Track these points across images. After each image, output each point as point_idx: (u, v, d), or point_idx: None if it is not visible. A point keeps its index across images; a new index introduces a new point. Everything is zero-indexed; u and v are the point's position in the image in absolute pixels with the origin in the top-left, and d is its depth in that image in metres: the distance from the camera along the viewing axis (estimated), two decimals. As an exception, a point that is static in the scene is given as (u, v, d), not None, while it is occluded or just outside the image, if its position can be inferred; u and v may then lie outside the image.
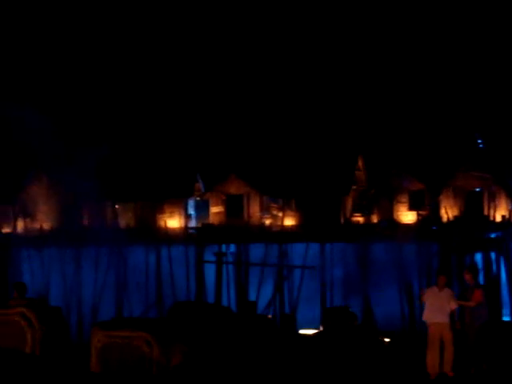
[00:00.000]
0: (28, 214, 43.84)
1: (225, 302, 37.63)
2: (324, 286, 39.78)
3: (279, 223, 43.77)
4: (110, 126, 46.04)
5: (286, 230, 42.47)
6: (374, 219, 44.64)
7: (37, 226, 43.71)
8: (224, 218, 45.70)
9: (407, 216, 43.78)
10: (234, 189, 45.88)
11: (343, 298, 37.63)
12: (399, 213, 44.02)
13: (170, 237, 42.02)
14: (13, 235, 42.77)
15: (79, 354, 14.14)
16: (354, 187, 45.82)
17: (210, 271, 40.71)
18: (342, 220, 44.29)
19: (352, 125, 46.59)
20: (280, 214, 44.63)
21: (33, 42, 48.34)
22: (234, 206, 45.47)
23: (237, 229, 42.32)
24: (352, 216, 44.97)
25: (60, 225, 43.69)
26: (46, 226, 43.96)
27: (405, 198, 44.06)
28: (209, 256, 41.18)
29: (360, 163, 46.37)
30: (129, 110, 47.97)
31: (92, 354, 13.27)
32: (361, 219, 45.01)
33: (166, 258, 40.90)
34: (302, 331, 18.25)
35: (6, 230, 43.87)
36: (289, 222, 44.14)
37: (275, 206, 45.84)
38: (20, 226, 43.72)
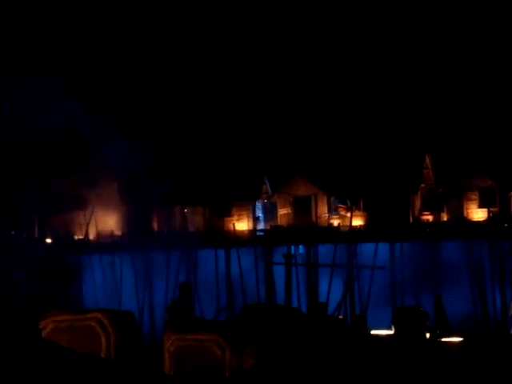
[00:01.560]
0: (99, 220, 44.52)
1: (295, 304, 37.57)
2: (394, 286, 39.43)
3: (347, 223, 43.57)
4: (179, 130, 46.47)
5: (354, 230, 42.25)
6: (444, 217, 44.12)
7: (108, 231, 44.38)
8: (292, 220, 45.72)
9: (478, 213, 43.14)
10: (301, 190, 45.86)
11: (414, 297, 37.19)
12: (469, 210, 43.42)
13: (238, 239, 42.17)
14: (85, 241, 43.46)
15: (153, 358, 14.30)
16: (423, 185, 45.34)
17: (279, 273, 40.67)
18: (411, 219, 43.89)
19: (419, 123, 46.10)
20: (348, 215, 44.43)
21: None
22: (302, 208, 45.44)
23: (305, 230, 42.26)
24: (421, 215, 44.52)
25: (131, 230, 44.29)
26: (117, 231, 44.63)
27: (475, 196, 43.45)
28: (278, 258, 41.17)
29: (428, 161, 45.87)
30: (195, 113, 48.31)
31: (165, 357, 13.42)
32: (430, 218, 44.53)
33: (236, 260, 41.04)
34: (373, 332, 18.10)
35: (79, 236, 44.61)
36: (357, 222, 43.91)
37: (343, 206, 45.67)
38: (92, 232, 44.44)
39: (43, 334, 12.80)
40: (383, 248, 40.05)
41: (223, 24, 50.76)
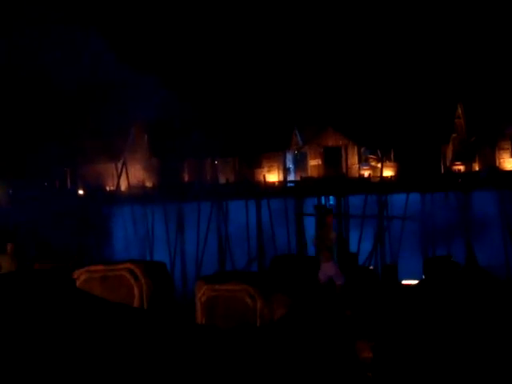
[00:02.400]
0: (131, 172, 44.73)
1: (325, 255, 37.62)
2: (425, 237, 39.32)
3: (378, 174, 43.40)
4: (208, 83, 46.34)
5: (385, 181, 42.09)
6: (476, 167, 43.77)
7: (139, 183, 44.61)
8: (322, 171, 45.63)
9: (510, 163, 42.73)
10: (331, 141, 45.69)
11: (445, 248, 37.08)
12: (502, 160, 43.01)
13: (269, 191, 42.19)
14: (116, 193, 43.72)
15: (184, 308, 14.44)
16: (454, 135, 44.93)
17: (309, 224, 40.73)
18: (443, 169, 43.59)
19: (452, 72, 45.54)
20: (379, 165, 44.25)
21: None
22: (332, 158, 45.31)
23: (335, 181, 42.17)
24: (453, 165, 44.19)
25: (162, 182, 44.48)
26: (149, 183, 44.85)
27: (507, 145, 42.99)
28: (308, 209, 41.19)
29: (460, 111, 45.38)
30: (226, 66, 48.12)
31: (197, 307, 13.54)
32: (462, 168, 44.20)
33: (266, 211, 41.11)
34: (404, 282, 18.12)
35: (111, 188, 44.89)
36: (388, 172, 43.73)
37: (373, 157, 45.47)
38: (123, 183, 44.68)
39: (77, 283, 12.96)
40: (414, 198, 39.88)
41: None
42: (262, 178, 44.61)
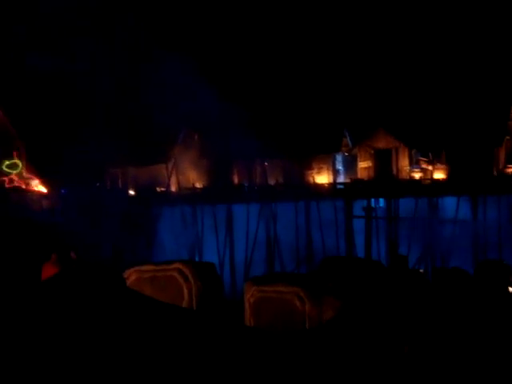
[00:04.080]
0: (181, 173, 44.99)
1: (374, 257, 37.48)
2: (477, 240, 38.86)
3: (429, 176, 42.99)
4: (258, 84, 46.39)
5: (436, 184, 41.70)
6: (529, 170, 43.10)
7: (189, 184, 44.85)
8: (372, 173, 45.34)
9: None
10: (382, 143, 45.37)
11: (497, 252, 36.62)
12: (556, 163, 42.30)
13: (318, 192, 42.07)
14: (167, 194, 44.00)
15: (233, 309, 14.45)
16: (507, 138, 44.27)
17: (359, 226, 40.56)
18: (495, 172, 43.00)
19: (505, 73, 44.92)
20: (430, 168, 43.83)
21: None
22: (383, 161, 45.00)
23: (386, 183, 41.91)
24: (505, 167, 43.55)
25: (211, 183, 44.66)
26: (198, 184, 45.06)
27: (562, 148, 42.28)
28: (358, 211, 41.02)
29: (513, 113, 44.73)
30: (276, 67, 48.13)
31: (245, 308, 13.54)
32: (515, 171, 43.56)
33: (315, 213, 41.03)
34: (454, 286, 17.89)
35: (161, 188, 45.19)
36: (439, 175, 43.29)
37: (424, 159, 45.05)
38: (173, 184, 44.96)
39: (127, 283, 13.04)
40: (465, 201, 39.47)
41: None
42: (311, 180, 44.51)
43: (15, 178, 41.74)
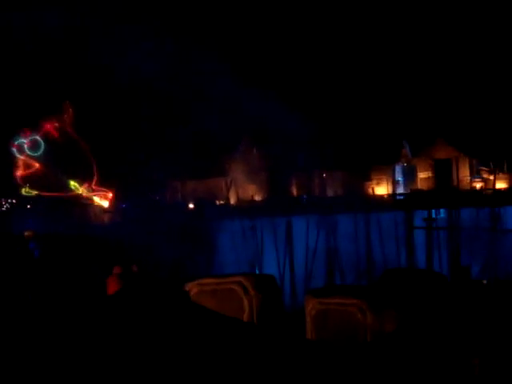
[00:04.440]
0: (240, 186, 45.16)
1: (436, 268, 37.05)
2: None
3: (491, 186, 42.41)
4: (317, 96, 46.35)
5: (498, 193, 41.10)
6: None
7: (248, 197, 44.98)
8: (432, 183, 44.93)
9: None
10: (442, 153, 44.95)
11: None
12: None
13: (378, 204, 41.81)
14: (226, 207, 44.19)
15: (294, 322, 14.43)
16: None
17: (419, 237, 40.17)
18: (559, 181, 42.29)
19: None
20: (491, 177, 43.25)
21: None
22: (443, 171, 44.56)
23: (446, 193, 41.46)
24: None
25: (270, 195, 44.72)
26: (257, 196, 45.16)
27: None
28: (418, 222, 40.63)
29: None
30: (336, 79, 48.03)
31: (306, 321, 13.50)
32: None
33: (376, 225, 40.77)
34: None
35: (220, 201, 45.42)
36: (501, 184, 42.68)
37: (486, 169, 44.48)
38: (232, 197, 45.13)
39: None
40: (529, 211, 38.85)
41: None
42: (370, 191, 44.29)
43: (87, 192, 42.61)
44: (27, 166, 43.35)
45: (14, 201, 44.97)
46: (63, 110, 43.89)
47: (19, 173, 43.23)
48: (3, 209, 44.54)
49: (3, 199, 44.86)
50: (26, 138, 43.42)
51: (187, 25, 44.87)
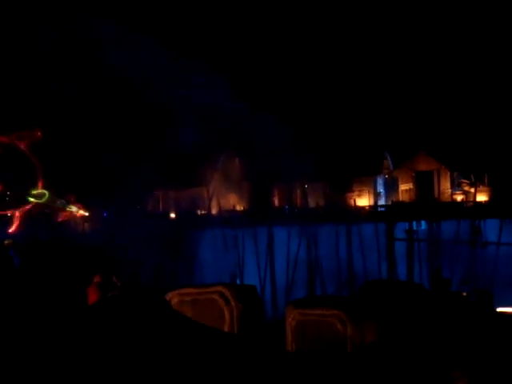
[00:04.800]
0: (221, 196, 45.15)
1: (417, 280, 37.14)
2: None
3: (471, 199, 42.61)
4: (298, 107, 46.42)
5: (478, 206, 41.29)
6: None
7: (230, 207, 44.95)
8: (414, 195, 45.09)
9: None
10: (423, 165, 45.14)
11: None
12: None
13: (359, 215, 41.91)
14: (207, 216, 44.15)
15: (274, 332, 14.41)
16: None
17: (400, 249, 40.28)
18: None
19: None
20: (472, 190, 43.46)
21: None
22: (424, 183, 44.75)
23: (427, 206, 41.61)
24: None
25: (252, 205, 44.71)
26: (239, 206, 45.15)
27: None
28: (399, 233, 40.75)
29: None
30: (316, 91, 48.14)
31: (287, 331, 13.49)
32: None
33: (357, 236, 40.84)
34: (500, 309, 17.67)
35: (202, 211, 45.37)
36: (481, 197, 42.88)
37: (466, 181, 44.70)
38: (214, 207, 45.10)
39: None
40: (509, 224, 38.99)
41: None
42: (352, 203, 44.39)
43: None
44: None
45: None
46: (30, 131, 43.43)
47: None
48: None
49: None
50: None
51: (173, 34, 44.86)
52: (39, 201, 42.01)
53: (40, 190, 42.27)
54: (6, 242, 18.77)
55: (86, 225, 41.10)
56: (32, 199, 42.02)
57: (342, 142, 45.21)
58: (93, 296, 13.22)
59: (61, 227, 39.63)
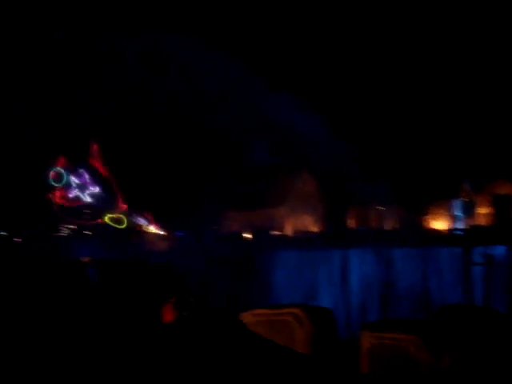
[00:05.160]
0: (296, 217, 45.16)
1: (494, 306, 36.44)
2: None
3: (552, 223, 41.76)
4: (376, 130, 46.18)
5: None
6: None
7: (304, 228, 44.92)
8: (491, 219, 44.36)
9: None
10: (501, 189, 44.42)
11: None
12: None
13: (435, 238, 41.41)
14: (282, 237, 44.19)
15: (348, 355, 14.34)
16: None
17: (477, 273, 39.62)
18: None
19: None
20: (553, 214, 42.60)
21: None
22: (502, 207, 44.00)
23: (506, 230, 40.88)
24: None
25: (327, 227, 44.61)
26: (314, 228, 45.08)
27: None
28: (476, 258, 40.09)
29: None
30: (395, 112, 47.78)
31: (361, 354, 13.42)
32: None
33: (433, 260, 40.35)
34: None
35: (277, 231, 45.43)
36: None
37: (547, 205, 43.84)
38: (289, 228, 45.12)
39: (243, 326, 13.12)
40: None
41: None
42: (428, 226, 43.89)
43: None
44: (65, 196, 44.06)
45: (73, 227, 45.63)
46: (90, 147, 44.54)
47: (58, 201, 43.96)
48: (62, 234, 45.21)
49: (62, 225, 45.54)
50: (62, 167, 44.13)
51: (250, 51, 45.01)
52: (118, 226, 42.79)
53: (118, 215, 43.07)
54: (84, 259, 19.15)
55: (162, 244, 41.62)
56: (111, 223, 42.84)
57: (419, 165, 44.78)
58: (168, 315, 13.39)
59: (137, 246, 40.24)
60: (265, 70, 44.51)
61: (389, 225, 44.31)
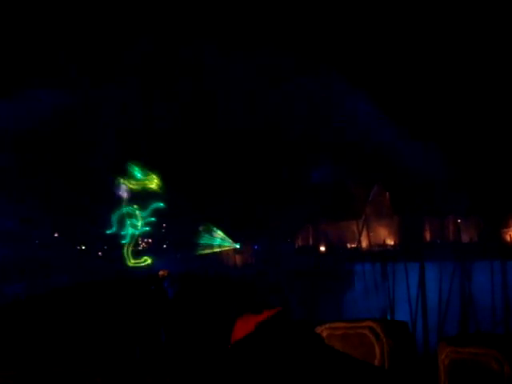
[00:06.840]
0: (372, 230, 44.89)
1: None
2: None
3: None
4: (455, 140, 45.50)
5: None
6: None
7: (380, 241, 44.60)
8: None
9: None
10: None
11: None
12: None
13: (515, 251, 40.63)
14: (357, 250, 43.95)
15: (426, 370, 14.12)
16: None
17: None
18: None
19: None
20: None
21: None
22: None
23: None
24: None
25: (402, 240, 44.19)
26: (389, 240, 44.72)
27: None
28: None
29: None
30: (474, 122, 46.99)
31: (439, 370, 13.19)
32: None
33: (512, 273, 39.60)
34: None
35: (352, 245, 45.23)
36: None
37: None
38: (364, 241, 44.86)
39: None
40: None
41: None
42: (507, 238, 43.05)
43: None
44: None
45: (149, 240, 46.21)
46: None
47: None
48: (140, 248, 45.83)
49: (140, 238, 46.13)
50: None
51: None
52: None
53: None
54: (160, 272, 19.27)
55: (238, 257, 41.84)
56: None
57: (500, 175, 43.97)
58: (241, 330, 13.44)
59: (213, 259, 40.54)
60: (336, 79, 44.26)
61: (466, 237, 43.60)
